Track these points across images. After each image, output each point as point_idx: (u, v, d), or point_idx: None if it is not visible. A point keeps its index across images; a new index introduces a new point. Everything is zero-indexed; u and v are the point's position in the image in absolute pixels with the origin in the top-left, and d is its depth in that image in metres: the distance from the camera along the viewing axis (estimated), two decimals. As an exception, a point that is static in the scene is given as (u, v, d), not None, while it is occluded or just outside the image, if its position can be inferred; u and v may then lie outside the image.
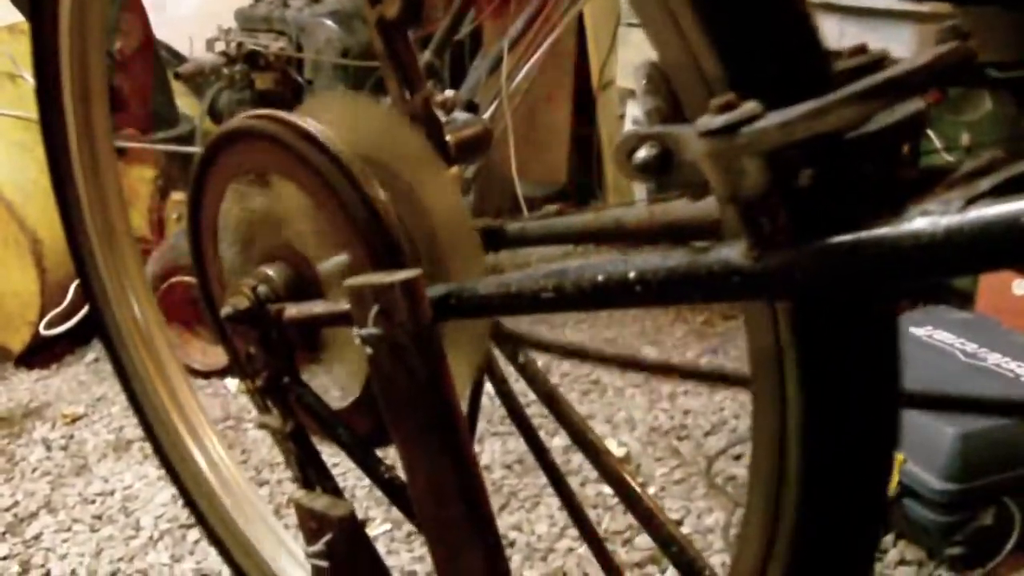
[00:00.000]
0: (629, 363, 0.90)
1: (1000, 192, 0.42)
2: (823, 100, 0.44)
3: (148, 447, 1.41)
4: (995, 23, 0.65)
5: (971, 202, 0.42)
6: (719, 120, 0.45)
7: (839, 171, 0.47)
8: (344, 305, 0.70)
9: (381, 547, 1.69)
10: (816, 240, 0.45)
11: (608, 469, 0.95)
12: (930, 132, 2.20)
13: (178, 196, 2.71)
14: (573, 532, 1.71)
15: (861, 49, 0.51)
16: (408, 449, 0.70)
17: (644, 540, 1.67)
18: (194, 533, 1.80)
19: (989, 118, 2.22)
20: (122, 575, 1.71)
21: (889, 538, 1.63)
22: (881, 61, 0.49)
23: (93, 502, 1.96)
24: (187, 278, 2.37)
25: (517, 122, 2.80)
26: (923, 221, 0.42)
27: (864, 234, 0.44)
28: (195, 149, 2.71)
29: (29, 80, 2.38)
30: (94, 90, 1.25)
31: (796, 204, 0.47)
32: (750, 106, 0.45)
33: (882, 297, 0.53)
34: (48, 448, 2.20)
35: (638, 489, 0.93)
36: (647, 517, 0.92)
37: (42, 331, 2.58)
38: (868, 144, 0.46)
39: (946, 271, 0.44)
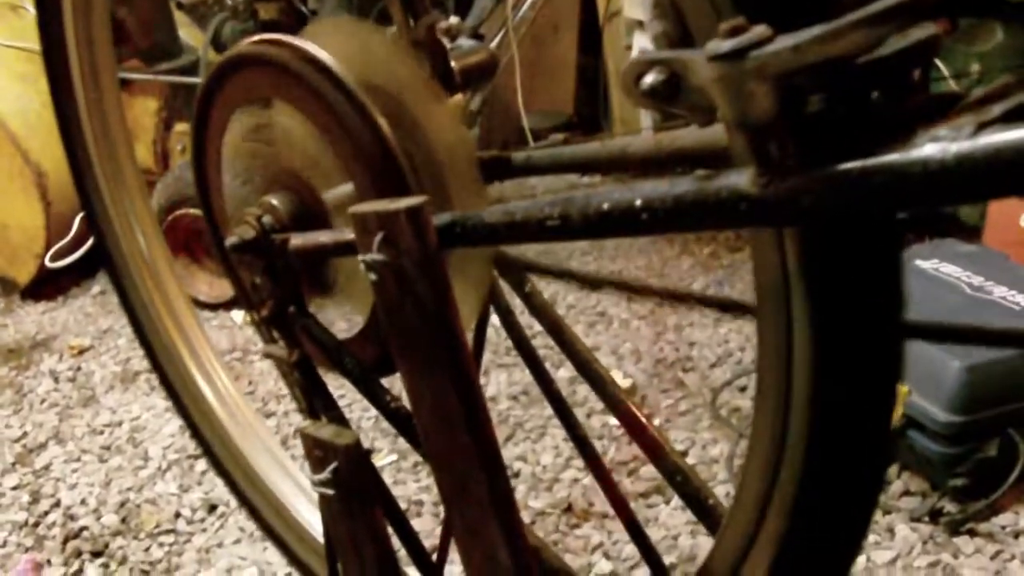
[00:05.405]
0: (634, 289, 0.89)
1: (1012, 118, 0.41)
2: (834, 23, 0.43)
3: (155, 379, 1.42)
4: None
5: (982, 128, 0.41)
6: (728, 44, 0.44)
7: (849, 96, 0.46)
8: (349, 234, 0.69)
9: (388, 477, 1.71)
10: (825, 166, 0.45)
11: (614, 400, 0.95)
12: (940, 63, 2.18)
13: (182, 127, 2.70)
14: (578, 462, 1.72)
15: (873, -27, 0.50)
16: (413, 377, 0.70)
17: (649, 471, 1.68)
18: (201, 464, 1.82)
19: (1001, 49, 2.20)
20: (131, 504, 1.73)
21: (893, 469, 1.64)
22: (893, -16, 0.48)
23: (101, 433, 1.98)
24: (192, 210, 2.37)
25: (523, 53, 2.77)
26: (933, 147, 0.42)
27: (873, 160, 0.43)
28: (199, 80, 2.69)
29: (31, 11, 2.36)
30: (96, 21, 1.24)
31: (805, 130, 0.46)
32: (760, 30, 0.44)
33: (890, 225, 0.52)
34: (56, 380, 2.22)
35: (643, 420, 0.93)
36: (652, 448, 0.92)
37: (48, 263, 2.59)
38: (879, 69, 0.46)
39: (956, 198, 0.43)
